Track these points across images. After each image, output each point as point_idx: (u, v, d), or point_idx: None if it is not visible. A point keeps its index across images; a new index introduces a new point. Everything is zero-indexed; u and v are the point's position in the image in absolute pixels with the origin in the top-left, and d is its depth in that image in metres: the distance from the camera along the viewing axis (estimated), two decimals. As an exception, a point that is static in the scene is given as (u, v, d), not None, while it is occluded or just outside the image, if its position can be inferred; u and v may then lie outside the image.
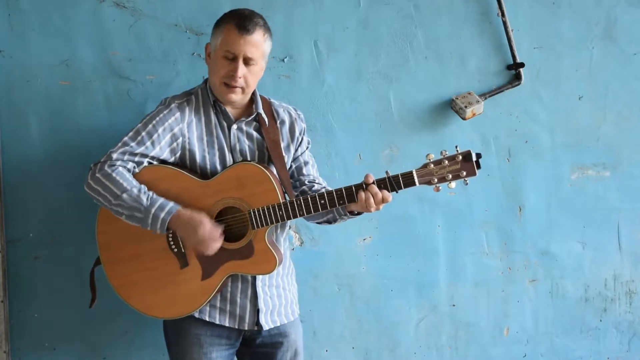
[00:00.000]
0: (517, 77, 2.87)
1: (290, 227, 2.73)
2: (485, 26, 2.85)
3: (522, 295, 2.96)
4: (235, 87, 2.22)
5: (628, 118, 2.98)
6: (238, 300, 2.28)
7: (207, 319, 2.28)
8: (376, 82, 2.80)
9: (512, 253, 2.94)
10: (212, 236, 2.16)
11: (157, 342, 2.61)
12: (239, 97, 2.26)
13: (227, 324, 2.29)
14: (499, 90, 2.86)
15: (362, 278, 2.84)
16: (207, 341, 2.28)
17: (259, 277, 2.29)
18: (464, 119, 2.77)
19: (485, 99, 2.82)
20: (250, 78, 2.23)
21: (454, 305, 2.91)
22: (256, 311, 2.29)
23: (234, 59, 2.20)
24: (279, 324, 2.34)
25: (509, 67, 2.87)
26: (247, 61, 2.21)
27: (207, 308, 2.28)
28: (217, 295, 2.27)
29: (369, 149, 2.80)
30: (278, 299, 2.35)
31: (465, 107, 2.75)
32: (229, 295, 2.28)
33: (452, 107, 2.81)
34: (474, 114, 2.77)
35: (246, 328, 2.29)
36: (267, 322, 2.31)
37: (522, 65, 2.84)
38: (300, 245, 2.78)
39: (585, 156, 2.96)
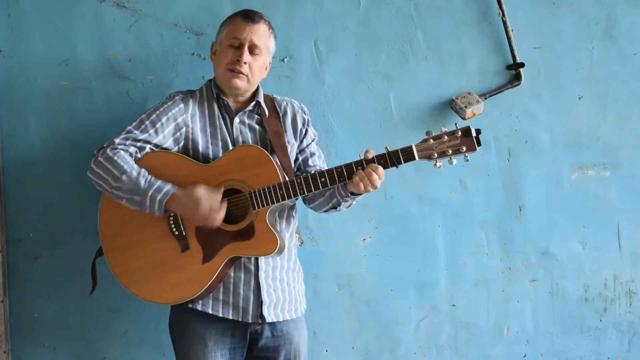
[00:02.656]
0: (517, 77, 2.87)
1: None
2: (485, 26, 2.85)
3: (522, 295, 2.96)
4: (240, 72, 2.25)
5: (628, 118, 2.98)
6: (241, 291, 2.28)
7: (211, 312, 2.27)
8: (376, 82, 2.80)
9: (512, 253, 2.94)
10: (213, 207, 2.16)
11: (157, 341, 2.61)
12: (243, 84, 2.29)
13: (230, 317, 2.28)
14: (499, 90, 2.86)
15: (362, 278, 2.84)
16: (211, 339, 2.28)
17: (262, 268, 2.29)
18: (464, 119, 2.77)
19: (485, 99, 2.82)
20: (254, 67, 2.28)
21: (454, 305, 2.91)
22: (259, 303, 2.28)
23: (239, 47, 2.26)
24: (281, 319, 2.33)
25: (509, 67, 2.87)
26: (252, 49, 2.27)
27: (210, 301, 2.27)
28: (220, 286, 2.27)
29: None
30: (282, 294, 2.34)
31: (465, 107, 2.75)
32: (231, 286, 2.28)
33: (452, 107, 2.81)
34: (474, 114, 2.77)
35: (250, 321, 2.28)
36: (269, 315, 2.29)
37: (522, 65, 2.84)
38: (300, 245, 2.78)
39: (585, 156, 2.96)
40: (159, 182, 2.18)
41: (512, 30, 2.83)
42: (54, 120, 2.58)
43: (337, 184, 2.19)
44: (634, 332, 3.05)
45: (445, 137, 2.16)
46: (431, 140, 2.17)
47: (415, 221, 2.86)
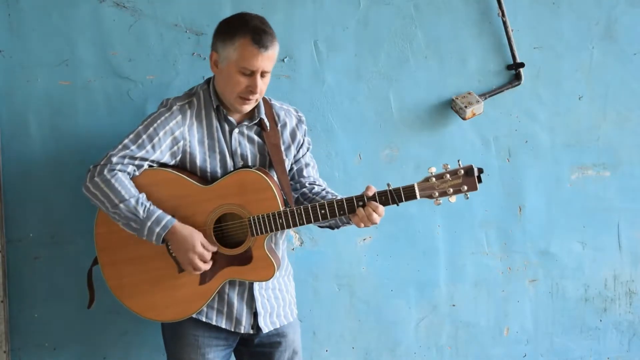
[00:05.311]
0: (517, 77, 2.87)
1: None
2: (485, 26, 2.85)
3: (522, 295, 2.96)
4: (253, 99, 2.22)
5: (628, 118, 2.98)
6: (235, 303, 2.28)
7: (204, 320, 2.28)
8: (376, 82, 2.80)
9: (512, 253, 2.94)
10: (201, 258, 2.17)
11: (157, 342, 2.61)
12: (253, 106, 2.26)
13: (223, 326, 2.29)
14: (499, 90, 2.86)
15: (362, 278, 2.84)
16: (204, 342, 2.28)
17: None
18: (464, 119, 2.77)
19: (485, 99, 2.82)
20: (264, 88, 2.23)
21: (454, 305, 2.92)
22: (253, 314, 2.29)
23: (251, 74, 2.18)
24: (278, 326, 2.34)
25: (509, 67, 2.87)
26: (263, 74, 2.20)
27: (205, 309, 2.28)
28: (215, 296, 2.27)
29: (369, 149, 2.80)
30: (276, 301, 2.35)
31: (465, 107, 2.75)
32: (226, 297, 2.28)
33: (452, 107, 2.81)
34: (474, 114, 2.78)
35: (242, 332, 2.30)
36: (266, 325, 2.31)
37: (522, 65, 2.84)
38: (300, 245, 2.78)
39: (585, 156, 2.96)
40: (158, 213, 2.15)
41: (512, 30, 2.83)
42: (54, 120, 2.58)
43: (336, 217, 2.20)
44: (634, 332, 3.05)
45: (448, 175, 2.15)
46: (433, 179, 2.16)
47: (415, 221, 2.86)
